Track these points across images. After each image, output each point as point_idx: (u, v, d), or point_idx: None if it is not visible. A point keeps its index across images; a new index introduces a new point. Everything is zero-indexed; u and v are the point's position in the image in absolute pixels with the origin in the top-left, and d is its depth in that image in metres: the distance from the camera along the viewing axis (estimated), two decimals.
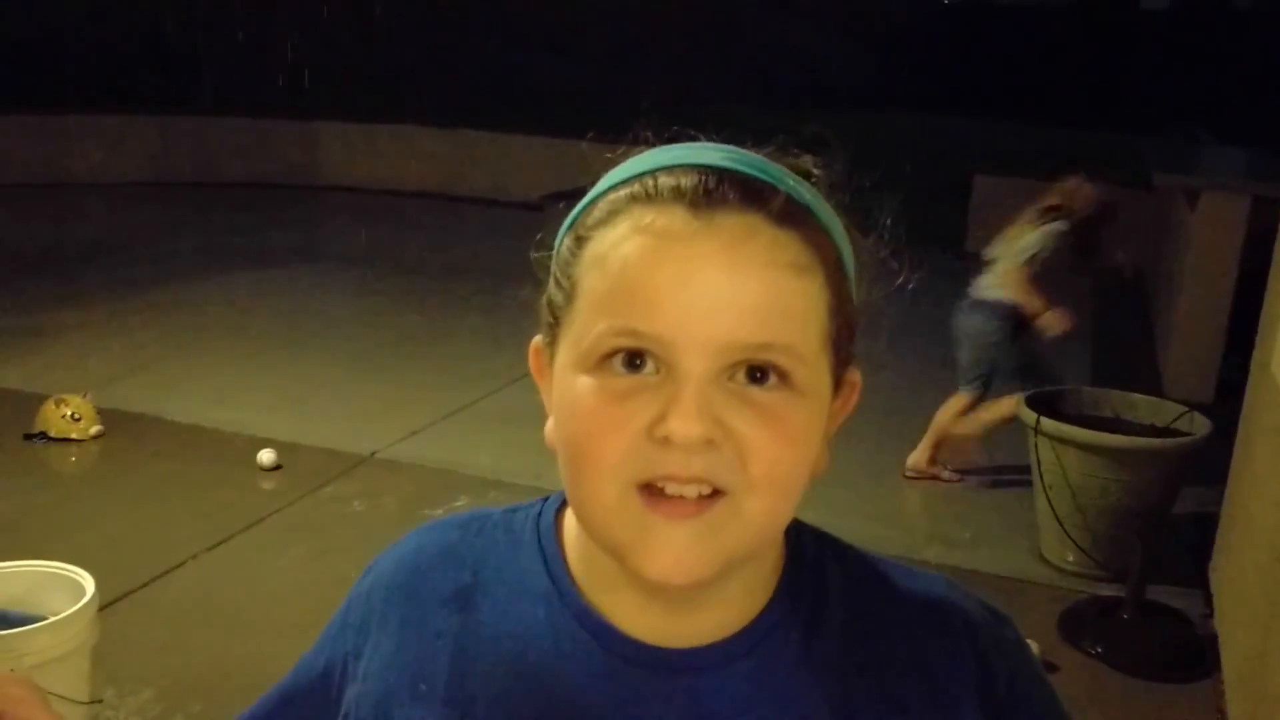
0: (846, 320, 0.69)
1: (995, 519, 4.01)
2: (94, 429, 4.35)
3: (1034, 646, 3.03)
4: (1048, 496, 3.57)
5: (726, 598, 0.71)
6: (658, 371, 0.64)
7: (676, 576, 0.65)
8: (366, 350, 5.78)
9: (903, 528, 3.90)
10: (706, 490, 0.64)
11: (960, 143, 14.40)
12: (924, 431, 4.39)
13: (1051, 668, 3.03)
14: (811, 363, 0.66)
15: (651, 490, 0.64)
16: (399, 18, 15.56)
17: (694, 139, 0.71)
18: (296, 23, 13.63)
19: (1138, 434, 3.59)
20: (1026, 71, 20.31)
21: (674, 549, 0.64)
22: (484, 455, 4.26)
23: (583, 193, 0.71)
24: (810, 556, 0.75)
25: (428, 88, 13.74)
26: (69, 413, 4.32)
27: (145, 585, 3.33)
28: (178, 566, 3.46)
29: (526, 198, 8.61)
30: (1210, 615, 3.25)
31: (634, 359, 0.64)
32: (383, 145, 10.47)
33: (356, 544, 3.60)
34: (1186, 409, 3.68)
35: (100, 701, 2.49)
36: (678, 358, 0.63)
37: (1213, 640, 3.11)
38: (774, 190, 0.66)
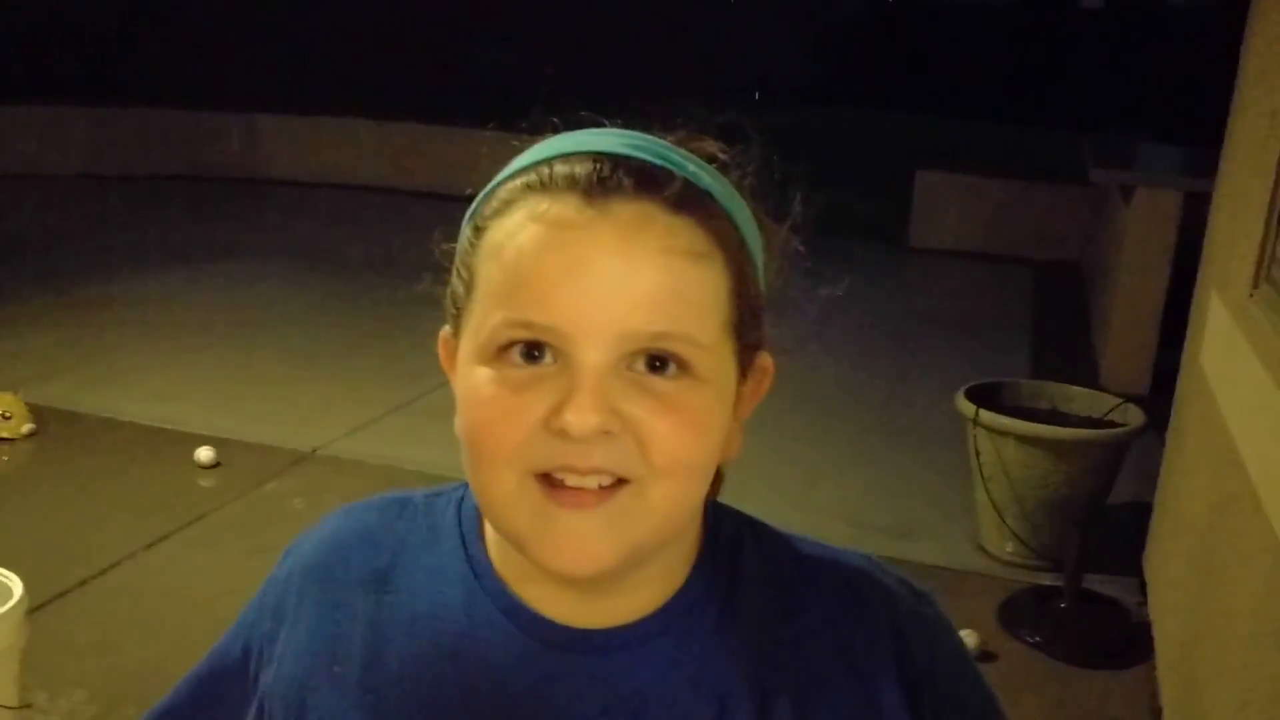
0: (750, 305, 0.69)
1: (934, 510, 4.06)
2: (26, 427, 4.26)
3: (974, 636, 3.07)
4: (986, 488, 3.61)
5: (641, 582, 0.70)
6: (555, 362, 0.64)
7: (580, 568, 0.65)
8: (307, 346, 5.71)
9: (842, 519, 3.93)
10: (608, 480, 0.64)
11: (903, 138, 14.54)
12: (870, 424, 4.43)
13: (990, 656, 3.07)
14: (712, 349, 0.65)
15: (551, 481, 0.64)
16: (342, 7, 15.39)
17: (599, 124, 0.71)
18: (236, 11, 13.42)
19: (1075, 426, 3.65)
20: (968, 68, 20.55)
21: (577, 539, 0.64)
22: (426, 451, 4.22)
23: None
24: (727, 536, 0.75)
25: (371, 79, 13.60)
26: (0, 411, 4.22)
27: (78, 586, 3.27)
28: (112, 566, 3.39)
29: (470, 192, 8.54)
30: (1144, 603, 3.32)
31: (532, 350, 0.64)
32: (325, 138, 10.34)
33: None
34: (1121, 401, 3.75)
35: (29, 706, 2.44)
36: (573, 349, 0.63)
37: (1147, 628, 3.17)
38: (670, 176, 0.65)
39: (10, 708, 2.14)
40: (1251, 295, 2.37)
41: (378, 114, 10.45)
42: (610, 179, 0.64)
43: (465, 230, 0.72)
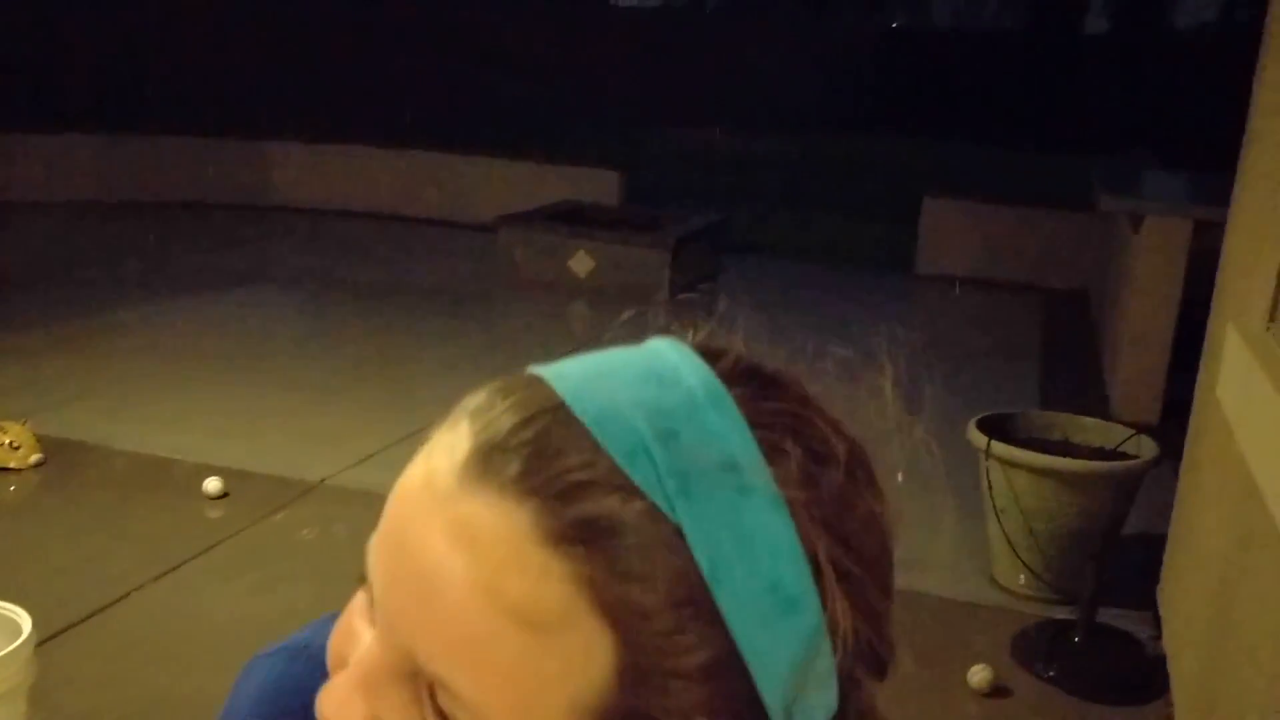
0: (665, 703, 0.45)
1: (946, 542, 4.03)
2: (34, 457, 4.25)
3: (987, 671, 3.04)
4: (999, 520, 3.59)
5: None
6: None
7: None
8: (316, 375, 5.70)
9: None
10: None
11: (910, 165, 14.57)
12: (878, 454, 4.39)
13: (1004, 691, 3.04)
14: None
15: None
16: (351, 36, 15.48)
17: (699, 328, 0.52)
18: (246, 40, 13.51)
19: (1087, 457, 3.63)
20: (975, 95, 20.61)
21: None
22: None
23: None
24: None
25: (380, 108, 13.67)
26: (8, 441, 4.22)
27: (87, 619, 3.25)
28: (121, 599, 3.38)
29: (481, 219, 8.58)
30: (1159, 637, 3.29)
31: None
32: (334, 166, 10.38)
33: (306, 573, 3.55)
34: (1134, 432, 3.73)
35: None
36: (375, 625, 0.49)
37: (1162, 662, 3.14)
38: (587, 490, 0.43)
39: None
40: (1269, 328, 2.36)
41: (387, 141, 10.51)
42: (502, 455, 0.45)
43: None
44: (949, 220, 8.94)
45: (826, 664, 0.46)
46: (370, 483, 4.27)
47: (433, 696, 0.46)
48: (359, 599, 0.51)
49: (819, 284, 8.44)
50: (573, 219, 8.01)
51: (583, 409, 0.45)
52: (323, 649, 0.55)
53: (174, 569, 3.57)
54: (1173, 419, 4.14)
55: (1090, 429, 3.86)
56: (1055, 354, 6.83)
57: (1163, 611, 3.33)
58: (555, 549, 0.43)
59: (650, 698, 0.45)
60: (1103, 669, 3.19)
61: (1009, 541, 3.57)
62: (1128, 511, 3.60)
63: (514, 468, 0.44)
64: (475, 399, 0.49)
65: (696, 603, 0.44)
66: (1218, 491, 2.75)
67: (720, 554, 0.44)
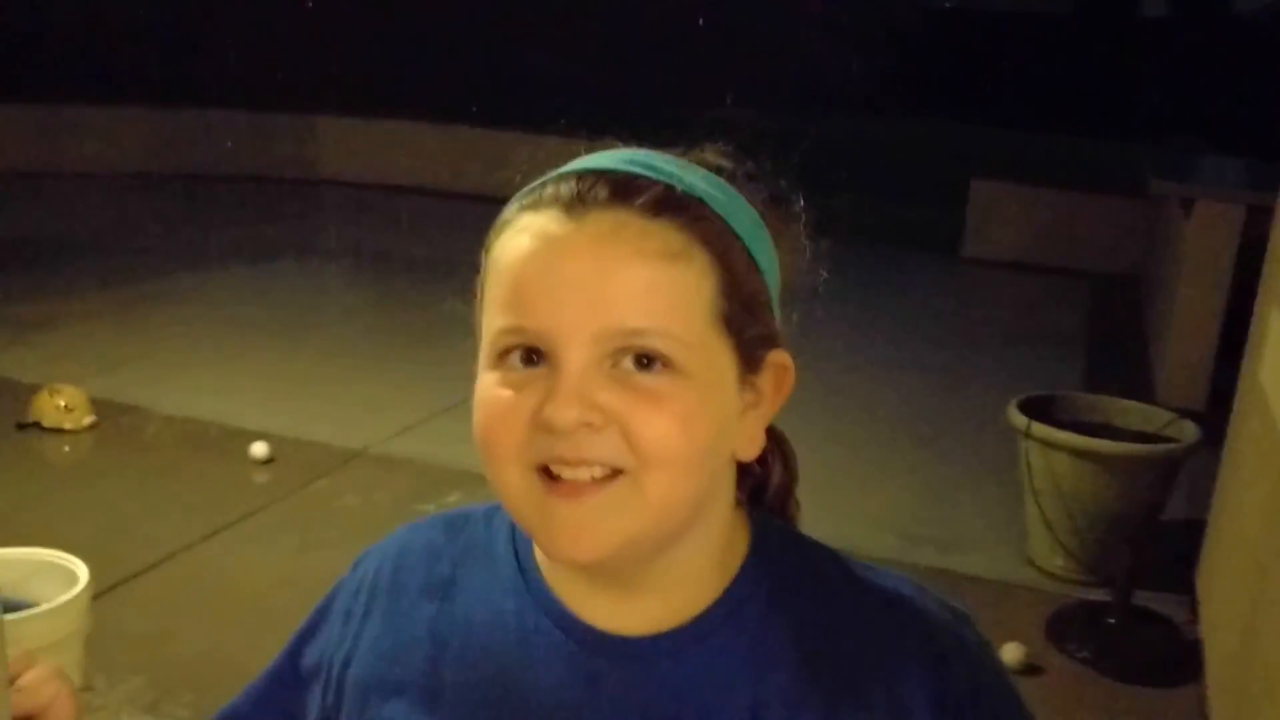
0: (747, 300, 0.71)
1: (983, 522, 4.03)
2: (87, 420, 4.36)
3: (1020, 649, 3.05)
4: (1037, 501, 3.58)
5: (666, 583, 0.74)
6: (548, 364, 0.69)
7: (578, 554, 0.69)
8: (361, 345, 5.79)
9: (892, 530, 3.91)
10: (600, 472, 0.68)
11: (959, 147, 14.42)
12: (922, 434, 4.38)
13: (1037, 670, 3.04)
14: (695, 345, 0.68)
15: (550, 474, 0.69)
16: (398, 11, 15.56)
17: (613, 146, 0.77)
18: (294, 15, 13.62)
19: (1128, 440, 3.61)
20: (1025, 77, 20.34)
21: (572, 529, 0.69)
22: (476, 451, 4.26)
23: None
24: (773, 550, 0.77)
25: (426, 83, 13.73)
26: (62, 403, 4.33)
27: (137, 575, 3.34)
28: (169, 557, 3.46)
29: None
30: (1195, 620, 3.27)
31: (531, 355, 0.69)
32: (380, 140, 10.45)
33: (348, 539, 3.61)
34: (1176, 416, 3.70)
35: (91, 689, 2.50)
36: (559, 349, 0.68)
37: (1197, 646, 3.13)
38: (647, 184, 0.70)
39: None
40: None
41: (435, 117, 10.55)
42: (588, 193, 0.69)
43: (481, 256, 0.77)
44: (997, 203, 8.85)
45: (777, 271, 0.76)
46: (411, 452, 4.34)
47: (619, 358, 0.67)
48: (493, 393, 0.71)
49: (864, 266, 8.40)
50: None
51: (617, 162, 0.73)
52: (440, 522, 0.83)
53: (221, 531, 3.66)
54: (1219, 406, 4.10)
55: (1132, 412, 3.83)
56: (1101, 339, 6.76)
57: (1199, 595, 3.32)
58: (667, 219, 0.68)
59: (737, 298, 0.70)
60: (1137, 651, 3.18)
61: (1047, 523, 3.57)
62: (1168, 495, 3.58)
63: (603, 193, 0.69)
64: (521, 198, 0.73)
65: (732, 236, 0.71)
66: (1257, 476, 2.73)
67: (730, 213, 0.72)
